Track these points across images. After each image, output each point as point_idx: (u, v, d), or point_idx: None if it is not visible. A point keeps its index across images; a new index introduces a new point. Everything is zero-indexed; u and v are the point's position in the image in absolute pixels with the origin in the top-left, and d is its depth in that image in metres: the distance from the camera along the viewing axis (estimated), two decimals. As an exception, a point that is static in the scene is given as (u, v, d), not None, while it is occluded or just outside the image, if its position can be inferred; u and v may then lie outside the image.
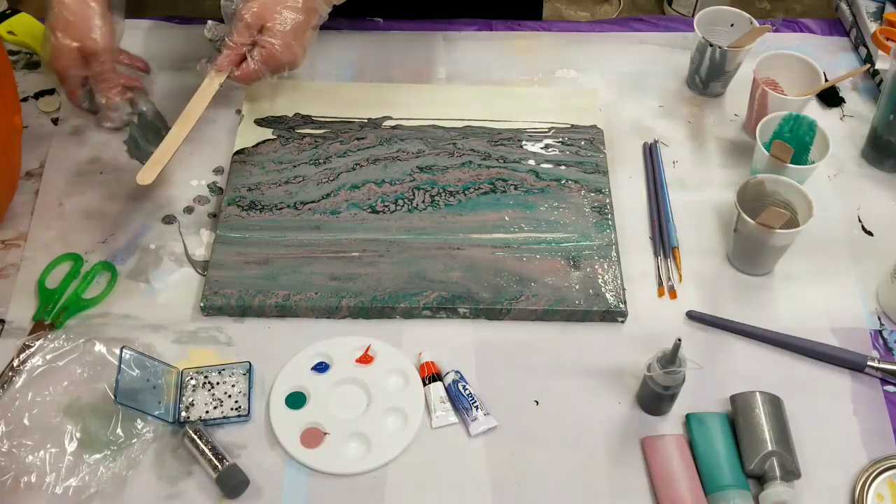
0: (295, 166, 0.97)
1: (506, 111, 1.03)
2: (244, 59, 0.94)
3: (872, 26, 1.10)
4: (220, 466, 0.75)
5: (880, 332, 0.88)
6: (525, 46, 1.12)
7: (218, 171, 0.98)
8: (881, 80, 1.08)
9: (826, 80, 1.03)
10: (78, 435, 0.78)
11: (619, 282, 0.88)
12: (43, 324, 0.85)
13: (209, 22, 0.98)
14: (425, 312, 0.87)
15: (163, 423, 0.79)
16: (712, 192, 0.98)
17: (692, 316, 0.88)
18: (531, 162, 0.97)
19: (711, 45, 1.01)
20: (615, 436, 0.81)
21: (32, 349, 0.83)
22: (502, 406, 0.82)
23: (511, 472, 0.78)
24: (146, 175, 0.89)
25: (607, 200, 0.95)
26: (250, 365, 0.82)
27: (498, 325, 0.87)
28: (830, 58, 1.12)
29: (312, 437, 0.79)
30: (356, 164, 0.97)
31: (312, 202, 0.94)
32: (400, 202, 0.94)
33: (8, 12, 1.11)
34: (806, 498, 0.77)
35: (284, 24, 0.90)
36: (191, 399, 0.80)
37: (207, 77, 0.94)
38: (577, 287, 0.87)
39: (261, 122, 1.01)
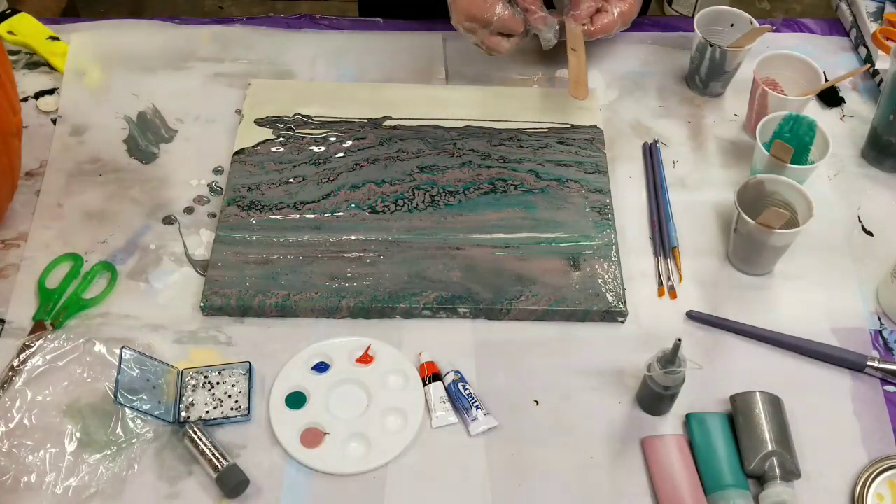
0: (295, 166, 0.97)
1: (506, 111, 1.03)
2: (597, 11, 0.93)
3: (872, 26, 1.10)
4: (220, 466, 0.75)
5: (880, 332, 0.88)
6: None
7: (218, 171, 0.98)
8: (881, 80, 1.08)
9: (826, 80, 1.03)
10: (78, 435, 0.78)
11: (619, 282, 0.88)
12: (43, 324, 0.85)
13: None
14: (425, 312, 0.87)
15: (163, 423, 0.79)
16: (712, 192, 0.98)
17: (692, 316, 0.88)
18: (531, 162, 0.97)
19: (711, 45, 1.01)
20: (615, 436, 0.81)
21: (32, 349, 0.83)
22: (502, 406, 0.82)
23: (511, 472, 0.78)
24: (582, 90, 0.87)
25: (607, 200, 0.95)
26: (250, 365, 0.82)
27: (498, 325, 0.87)
28: (830, 58, 1.12)
29: (312, 437, 0.79)
30: (356, 164, 0.97)
31: (312, 202, 0.94)
32: (400, 202, 0.94)
33: (8, 12, 1.11)
34: (806, 498, 0.77)
35: None
36: (191, 399, 0.80)
37: (568, 26, 0.92)
38: (577, 287, 0.87)
39: (261, 122, 1.01)
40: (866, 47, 1.11)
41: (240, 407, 0.80)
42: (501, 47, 0.88)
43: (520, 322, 0.87)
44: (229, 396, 0.80)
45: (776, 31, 1.15)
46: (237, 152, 0.98)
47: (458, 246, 0.90)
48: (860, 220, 0.97)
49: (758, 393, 0.80)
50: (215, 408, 0.80)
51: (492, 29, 0.86)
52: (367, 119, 1.02)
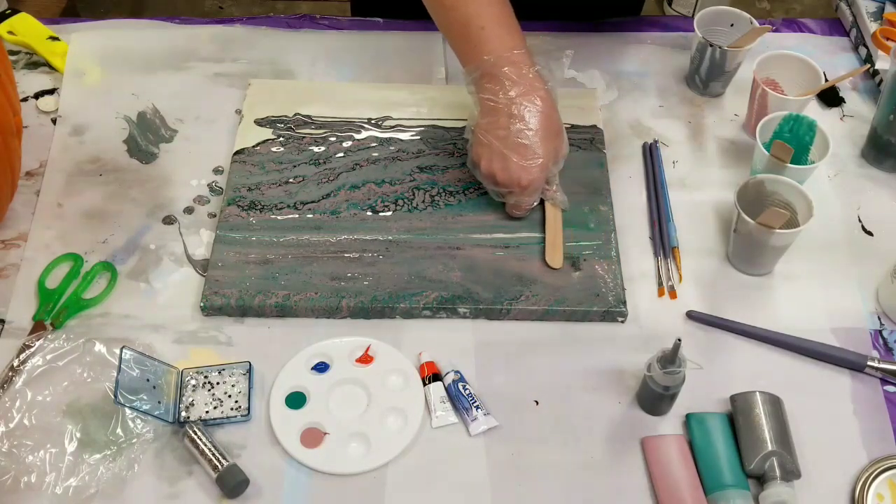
0: (295, 166, 0.97)
1: (506, 111, 1.02)
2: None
3: (872, 26, 1.10)
4: (220, 466, 0.75)
5: (880, 332, 0.88)
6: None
7: (218, 171, 0.98)
8: (881, 80, 1.08)
9: (826, 80, 1.03)
10: (78, 435, 0.78)
11: (619, 282, 0.88)
12: (43, 324, 0.85)
13: None
14: (425, 312, 0.87)
15: (163, 423, 0.79)
16: (712, 192, 0.98)
17: (692, 316, 0.88)
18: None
19: (711, 45, 1.01)
20: (615, 436, 0.81)
21: (32, 349, 0.83)
22: (502, 406, 0.82)
23: (511, 472, 0.78)
24: (558, 257, 0.89)
25: (607, 200, 0.95)
26: (250, 365, 0.82)
27: (498, 325, 0.87)
28: (830, 58, 1.12)
29: (312, 437, 0.79)
30: (356, 164, 0.97)
31: (312, 202, 0.94)
32: (400, 202, 0.94)
33: (8, 12, 1.11)
34: (806, 498, 0.77)
35: None
36: (191, 399, 0.80)
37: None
38: (577, 287, 0.87)
39: (261, 122, 1.01)
40: (866, 47, 1.11)
41: (240, 407, 0.80)
42: (524, 211, 0.91)
43: (520, 322, 0.87)
44: (229, 396, 0.80)
45: (776, 31, 1.15)
46: (237, 152, 0.98)
47: (458, 246, 0.90)
48: (860, 220, 0.97)
49: (758, 393, 0.80)
50: (215, 408, 0.80)
51: (525, 195, 0.88)
52: (367, 119, 1.02)
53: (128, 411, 0.79)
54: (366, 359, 0.84)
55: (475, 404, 0.81)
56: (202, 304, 0.86)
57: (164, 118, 1.03)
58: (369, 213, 0.93)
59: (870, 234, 0.96)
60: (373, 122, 1.01)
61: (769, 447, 0.76)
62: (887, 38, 1.08)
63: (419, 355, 0.84)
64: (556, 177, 0.92)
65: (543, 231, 0.91)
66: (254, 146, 0.98)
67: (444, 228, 0.92)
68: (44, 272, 0.89)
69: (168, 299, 0.88)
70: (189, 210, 0.95)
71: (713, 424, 0.79)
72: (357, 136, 1.00)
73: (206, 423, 0.79)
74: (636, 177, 1.00)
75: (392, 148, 0.99)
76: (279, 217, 0.92)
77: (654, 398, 0.80)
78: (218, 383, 0.81)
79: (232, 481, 0.75)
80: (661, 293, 0.90)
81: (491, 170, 0.87)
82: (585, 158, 0.98)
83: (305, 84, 1.06)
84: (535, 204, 0.91)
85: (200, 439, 0.77)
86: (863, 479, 0.78)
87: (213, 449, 0.76)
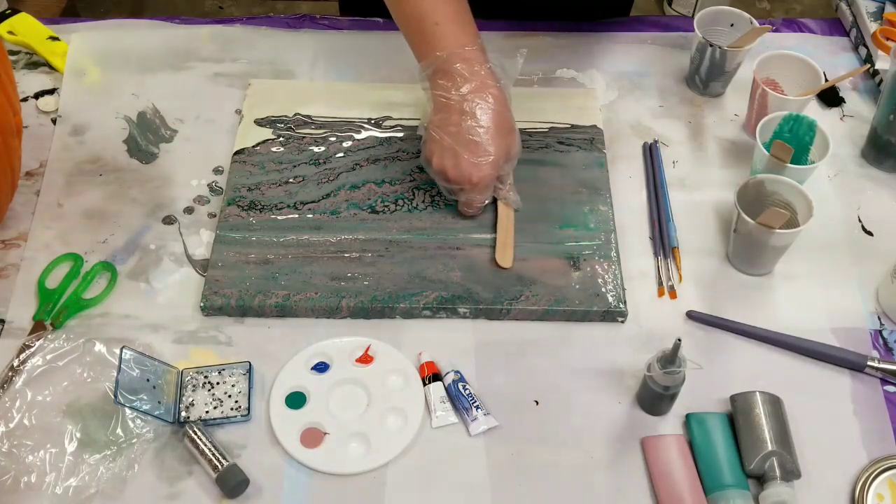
0: (295, 166, 0.97)
1: (506, 111, 1.03)
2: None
3: (872, 26, 1.10)
4: (220, 466, 0.75)
5: (880, 332, 0.88)
6: (525, 46, 1.12)
7: (218, 171, 0.98)
8: (881, 80, 1.08)
9: (826, 80, 1.03)
10: (78, 435, 0.78)
11: (619, 282, 0.88)
12: (43, 324, 0.85)
13: None
14: (425, 312, 0.87)
15: (163, 423, 0.79)
16: (712, 192, 0.98)
17: (692, 316, 0.88)
18: (531, 162, 0.97)
19: (711, 45, 1.01)
20: (615, 436, 0.81)
21: (32, 349, 0.83)
22: (502, 406, 0.82)
23: (511, 472, 0.78)
24: (508, 256, 0.89)
25: (607, 200, 0.95)
26: (250, 365, 0.82)
27: (498, 325, 0.87)
28: (830, 58, 1.12)
29: (312, 437, 0.79)
30: (356, 164, 0.97)
31: (312, 202, 0.94)
32: (400, 202, 0.94)
33: (8, 12, 1.11)
34: (806, 498, 0.77)
35: None
36: (191, 399, 0.80)
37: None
38: (577, 287, 0.87)
39: (261, 122, 1.01)
40: (866, 47, 1.11)
41: (240, 407, 0.80)
42: (475, 209, 0.91)
43: (520, 322, 0.87)
44: (229, 396, 0.80)
45: (776, 31, 1.15)
46: (237, 152, 0.98)
47: (458, 246, 0.90)
48: (860, 220, 0.97)
49: (758, 393, 0.80)
50: (215, 408, 0.80)
51: (476, 192, 0.88)
52: (367, 119, 1.02)
53: (128, 411, 0.79)
54: (366, 359, 0.84)
55: (475, 404, 0.81)
56: (202, 304, 0.86)
57: (164, 118, 1.03)
58: (369, 213, 0.93)
59: (870, 234, 0.96)
60: (373, 122, 1.01)
61: (769, 447, 0.76)
62: (887, 38, 1.08)
63: (419, 355, 0.84)
64: (509, 176, 0.92)
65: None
66: (254, 146, 0.98)
67: (444, 228, 0.92)
68: (44, 272, 0.89)
69: (168, 299, 0.88)
70: (189, 210, 0.95)
71: (713, 424, 0.79)
72: (357, 136, 1.00)
73: (206, 423, 0.79)
74: (636, 177, 1.00)
75: (392, 148, 0.99)
76: (279, 217, 0.92)
77: (654, 398, 0.80)
78: (218, 383, 0.81)
79: (232, 481, 0.75)
80: (661, 293, 0.90)
81: (442, 166, 0.87)
82: (585, 158, 0.98)
83: (305, 84, 1.06)
84: (487, 202, 0.91)
85: (200, 439, 0.77)
86: (863, 479, 0.78)
87: (213, 449, 0.76)
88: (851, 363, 0.85)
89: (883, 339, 0.88)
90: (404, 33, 0.91)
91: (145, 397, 0.78)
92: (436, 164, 0.88)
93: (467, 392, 0.81)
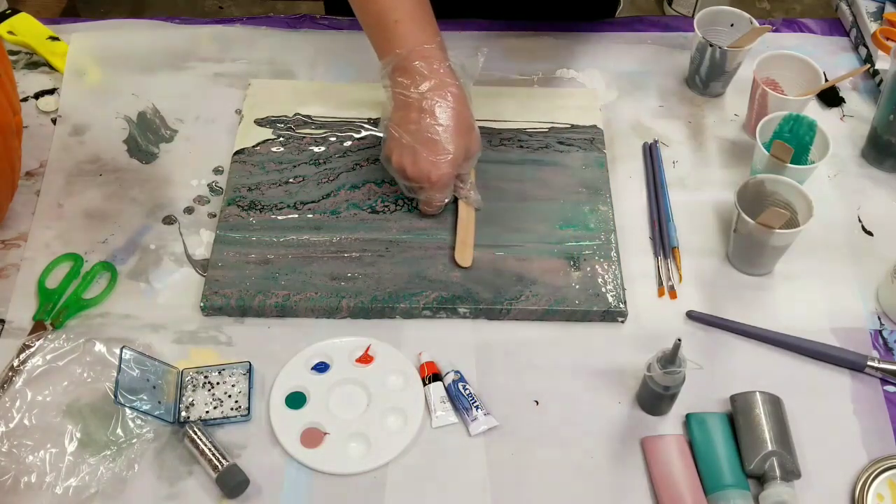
0: (295, 166, 0.97)
1: (506, 111, 1.03)
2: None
3: (872, 26, 1.10)
4: (220, 466, 0.75)
5: (880, 332, 0.88)
6: (525, 46, 1.12)
7: (218, 171, 0.98)
8: (881, 80, 1.08)
9: (826, 80, 1.03)
10: (78, 435, 0.78)
11: (619, 282, 0.88)
12: (43, 324, 0.85)
13: None
14: (425, 312, 0.87)
15: (163, 423, 0.79)
16: (712, 192, 0.98)
17: (692, 316, 0.88)
18: (531, 162, 0.97)
19: (711, 45, 1.01)
20: (615, 436, 0.81)
21: (32, 349, 0.83)
22: (502, 406, 0.82)
23: (511, 472, 0.78)
24: (467, 255, 0.89)
25: (607, 200, 0.95)
26: (250, 365, 0.82)
27: (498, 325, 0.87)
28: (830, 58, 1.12)
29: (312, 437, 0.79)
30: (356, 164, 0.97)
31: (312, 202, 0.94)
32: (400, 202, 0.94)
33: (8, 12, 1.11)
34: (806, 498, 0.77)
35: None
36: (191, 399, 0.80)
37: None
38: (577, 287, 0.87)
39: (261, 122, 1.01)
40: (866, 47, 1.11)
41: (240, 407, 0.80)
42: (435, 208, 0.91)
43: (520, 322, 0.87)
44: (229, 396, 0.80)
45: (776, 31, 1.15)
46: (237, 152, 0.98)
47: (458, 246, 0.90)
48: (860, 220, 0.97)
49: (758, 393, 0.80)
50: (215, 408, 0.80)
51: (435, 191, 0.88)
52: (367, 119, 1.02)
53: (128, 411, 0.79)
54: (366, 359, 0.84)
55: (475, 404, 0.81)
56: (202, 304, 0.86)
57: (164, 118, 1.03)
58: (369, 213, 0.93)
59: (870, 234, 0.96)
60: (373, 122, 1.01)
61: (769, 447, 0.76)
62: (887, 38, 1.08)
63: (419, 355, 0.84)
64: (469, 175, 0.92)
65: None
66: (254, 146, 0.98)
67: (445, 228, 0.92)
68: (44, 272, 0.89)
69: (168, 299, 0.88)
70: (189, 210, 0.95)
71: (713, 424, 0.79)
72: (357, 136, 1.00)
73: (206, 423, 0.79)
74: (636, 177, 1.00)
75: (392, 148, 0.99)
76: (279, 217, 0.92)
77: (654, 398, 0.80)
78: (218, 383, 0.81)
79: (232, 481, 0.75)
80: (661, 293, 0.90)
81: (401, 164, 0.87)
82: (585, 158, 0.98)
83: (305, 84, 1.06)
84: (447, 201, 0.91)
85: (200, 439, 0.77)
86: (863, 479, 0.78)
87: (213, 449, 0.76)
88: (851, 363, 0.85)
89: (883, 339, 0.88)
90: (366, 31, 0.90)
91: (145, 397, 0.78)
92: (395, 161, 0.88)
93: (467, 392, 0.81)
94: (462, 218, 0.92)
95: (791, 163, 0.90)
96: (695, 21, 1.04)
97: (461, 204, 0.92)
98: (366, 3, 0.88)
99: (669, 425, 0.81)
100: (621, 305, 0.87)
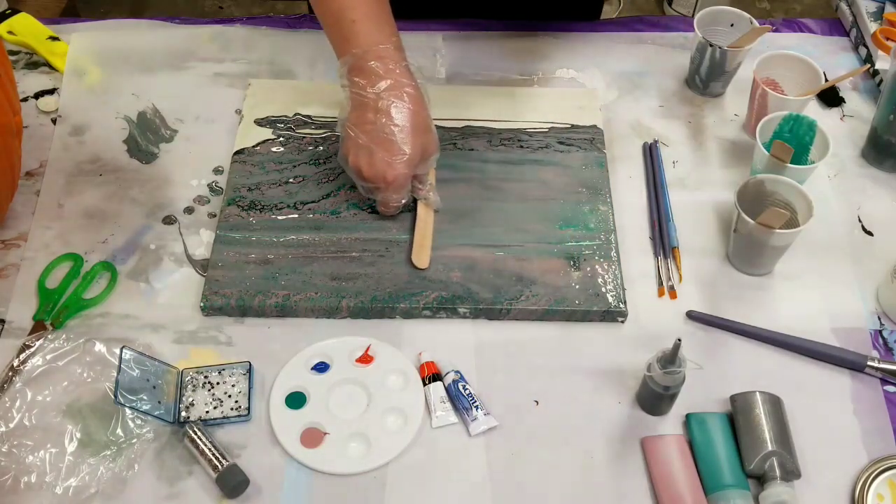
0: (295, 166, 0.97)
1: (505, 111, 1.03)
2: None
3: (872, 26, 1.11)
4: (220, 466, 0.75)
5: (880, 332, 0.88)
6: (525, 46, 1.12)
7: (218, 171, 0.98)
8: (881, 80, 1.08)
9: (826, 80, 1.03)
10: (78, 435, 0.78)
11: (619, 282, 0.88)
12: (43, 324, 0.85)
13: None
14: (425, 312, 0.87)
15: (163, 423, 0.79)
16: (712, 192, 0.98)
17: (692, 316, 0.88)
18: (531, 162, 0.97)
19: (711, 45, 1.01)
20: (615, 436, 0.81)
21: (32, 349, 0.83)
22: (502, 406, 0.82)
23: (511, 472, 0.78)
24: (424, 257, 0.88)
25: (607, 200, 0.95)
26: (250, 365, 0.82)
27: (498, 325, 0.87)
28: (830, 58, 1.12)
29: (312, 437, 0.79)
30: (356, 164, 0.97)
31: (312, 202, 0.94)
32: (400, 202, 0.94)
33: (8, 12, 1.11)
34: (806, 498, 0.77)
35: None
36: (191, 399, 0.80)
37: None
38: (577, 287, 0.87)
39: (261, 122, 1.01)
40: (866, 47, 1.11)
41: (240, 407, 0.80)
42: (392, 209, 0.91)
43: (520, 322, 0.87)
44: (229, 396, 0.80)
45: (776, 31, 1.15)
46: (237, 152, 0.98)
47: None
48: (860, 220, 0.97)
49: (758, 393, 0.80)
50: (215, 408, 0.80)
51: (391, 191, 0.88)
52: (367, 119, 1.01)
53: (128, 411, 0.79)
54: (366, 359, 0.84)
55: (475, 404, 0.81)
56: (202, 304, 0.86)
57: (164, 118, 1.03)
58: (369, 213, 0.93)
59: (870, 234, 0.96)
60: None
61: (769, 447, 0.76)
62: (887, 38, 1.08)
63: (419, 355, 0.84)
64: (429, 176, 0.92)
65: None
66: (254, 146, 0.98)
67: (444, 228, 0.92)
68: (44, 272, 0.89)
69: (168, 299, 0.88)
70: (189, 210, 0.95)
71: (713, 424, 0.79)
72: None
73: (206, 423, 0.79)
74: (636, 177, 1.00)
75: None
76: (279, 217, 0.92)
77: (654, 398, 0.80)
78: (218, 383, 0.81)
79: (232, 481, 0.75)
80: (661, 293, 0.90)
81: (357, 164, 0.87)
82: (585, 158, 0.98)
83: (305, 84, 1.06)
84: (405, 202, 0.90)
85: (200, 439, 0.77)
86: (863, 479, 0.78)
87: (213, 449, 0.76)
88: (851, 363, 0.85)
89: (883, 339, 0.88)
90: (325, 30, 0.90)
91: (145, 397, 0.78)
92: (351, 162, 0.87)
93: (467, 392, 0.81)
94: (420, 219, 0.91)
95: (791, 163, 0.90)
96: (695, 21, 1.04)
97: (420, 205, 0.92)
98: (324, 1, 0.88)
99: (669, 425, 0.81)
100: (621, 305, 0.87)
